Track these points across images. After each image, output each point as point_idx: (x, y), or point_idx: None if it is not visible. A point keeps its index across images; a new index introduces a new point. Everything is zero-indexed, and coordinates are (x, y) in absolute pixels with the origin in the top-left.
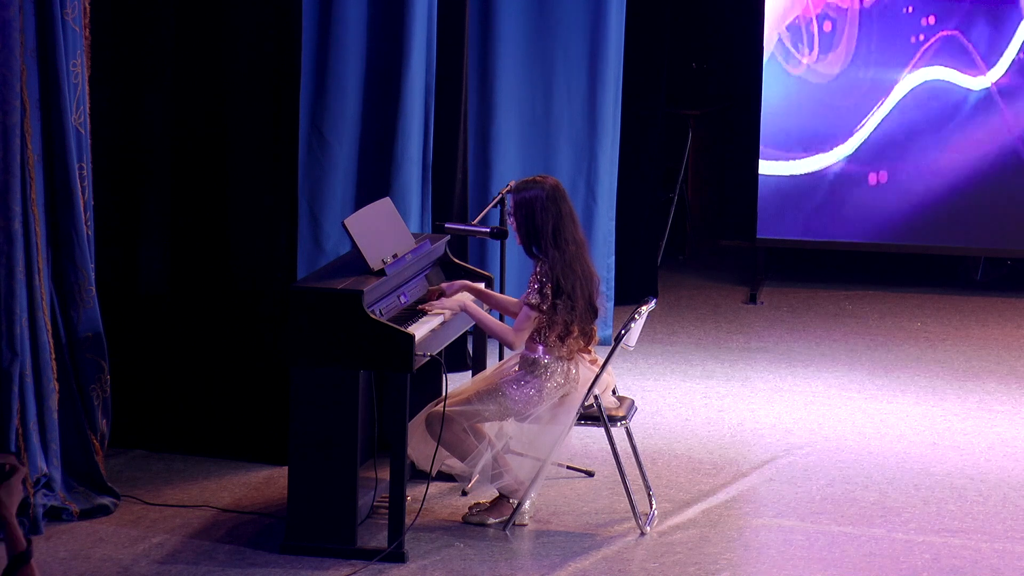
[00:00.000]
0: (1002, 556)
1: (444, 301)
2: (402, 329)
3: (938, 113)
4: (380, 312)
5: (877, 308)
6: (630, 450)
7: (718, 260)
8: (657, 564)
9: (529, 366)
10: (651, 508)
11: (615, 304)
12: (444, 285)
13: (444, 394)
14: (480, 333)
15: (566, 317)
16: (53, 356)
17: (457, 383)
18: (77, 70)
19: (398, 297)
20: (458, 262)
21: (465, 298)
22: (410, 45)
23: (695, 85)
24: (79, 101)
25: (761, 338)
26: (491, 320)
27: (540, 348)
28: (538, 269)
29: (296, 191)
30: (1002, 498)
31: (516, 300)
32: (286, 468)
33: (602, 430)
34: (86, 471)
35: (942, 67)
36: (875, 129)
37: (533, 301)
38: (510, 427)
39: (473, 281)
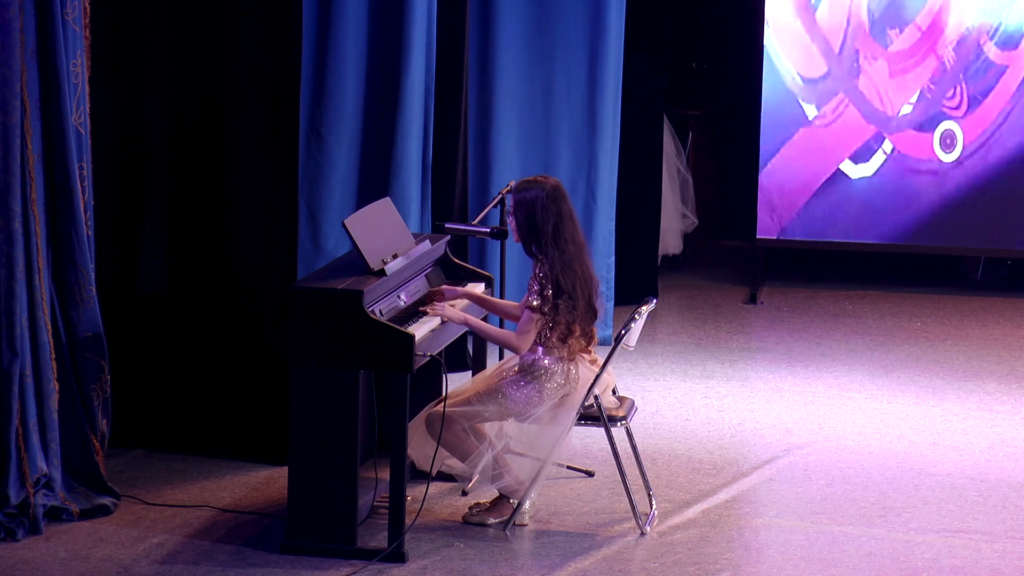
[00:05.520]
0: (1002, 556)
1: (446, 310)
2: (402, 329)
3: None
4: (380, 312)
5: (877, 308)
6: (630, 450)
7: (718, 260)
8: (657, 564)
9: (529, 367)
10: (651, 508)
11: (615, 304)
12: (445, 288)
13: (444, 394)
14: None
15: (567, 317)
16: (53, 356)
17: (457, 383)
18: (77, 70)
19: (398, 297)
20: (458, 262)
21: (467, 314)
22: (410, 45)
23: (695, 85)
24: (79, 101)
25: (761, 338)
26: (493, 329)
27: (540, 349)
28: (537, 271)
29: (296, 191)
30: (1002, 498)
31: (516, 304)
32: (286, 468)
33: (602, 430)
34: (86, 471)
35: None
36: None
37: (534, 304)
38: (510, 427)
39: (473, 281)
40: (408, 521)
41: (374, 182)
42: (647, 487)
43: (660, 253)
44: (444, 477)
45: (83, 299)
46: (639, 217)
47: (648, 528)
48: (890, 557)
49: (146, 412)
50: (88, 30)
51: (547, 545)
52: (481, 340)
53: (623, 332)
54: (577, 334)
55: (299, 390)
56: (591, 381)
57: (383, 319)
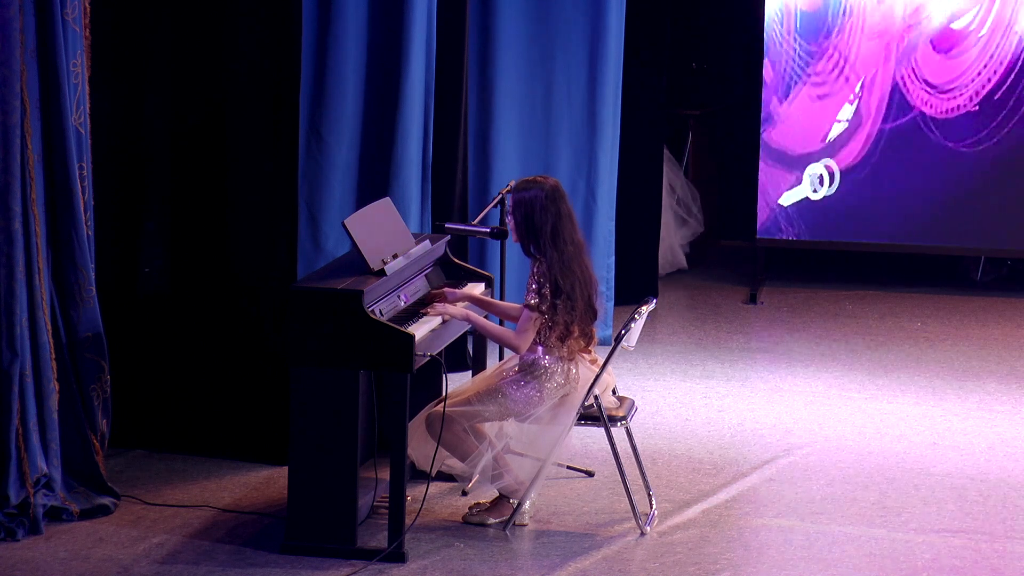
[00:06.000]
0: (1002, 556)
1: (448, 308)
2: (402, 329)
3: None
4: (380, 312)
5: (877, 308)
6: (630, 450)
7: (718, 260)
8: (657, 564)
9: (529, 367)
10: (651, 508)
11: (615, 304)
12: (447, 290)
13: (444, 394)
14: (480, 334)
15: (566, 317)
16: (53, 356)
17: (457, 383)
18: (77, 70)
19: (398, 297)
20: (458, 262)
21: (468, 310)
22: (410, 45)
23: (695, 85)
24: (79, 101)
25: (761, 338)
26: (494, 327)
27: (540, 349)
28: (535, 270)
29: (296, 191)
30: (1002, 498)
31: (517, 305)
32: (286, 468)
33: (602, 430)
34: (86, 471)
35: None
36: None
37: (532, 302)
38: (510, 427)
39: (473, 281)
40: (408, 521)
41: (374, 182)
42: (647, 487)
43: (670, 269)
44: (444, 477)
45: (83, 299)
46: (639, 217)
47: (648, 528)
48: (890, 557)
49: (146, 412)
50: (88, 30)
51: (547, 545)
52: (481, 340)
53: (623, 332)
54: (576, 334)
55: (299, 390)
56: (591, 381)
57: (383, 319)
